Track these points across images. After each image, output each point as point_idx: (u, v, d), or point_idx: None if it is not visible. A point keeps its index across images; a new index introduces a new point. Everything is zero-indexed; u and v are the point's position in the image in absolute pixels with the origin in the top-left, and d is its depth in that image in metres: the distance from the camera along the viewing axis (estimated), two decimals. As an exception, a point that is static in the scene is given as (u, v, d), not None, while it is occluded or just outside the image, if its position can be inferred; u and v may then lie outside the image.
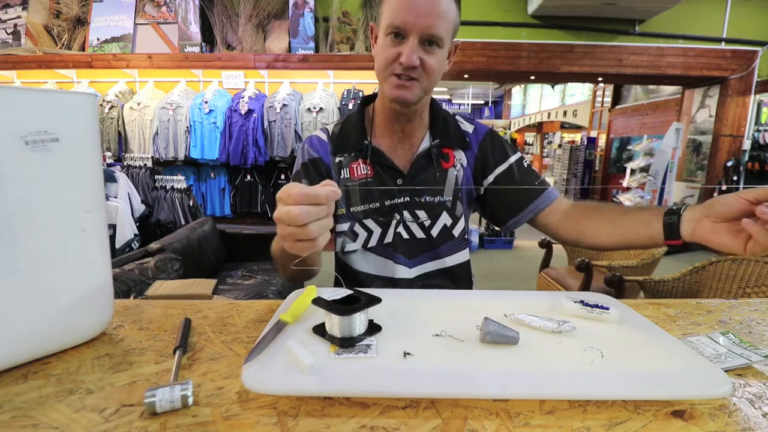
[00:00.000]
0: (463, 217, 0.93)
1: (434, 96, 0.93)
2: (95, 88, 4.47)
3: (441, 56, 0.78)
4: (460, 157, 0.93)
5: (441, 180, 0.90)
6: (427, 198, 0.89)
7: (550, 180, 8.37)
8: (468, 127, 0.95)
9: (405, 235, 0.90)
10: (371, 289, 0.74)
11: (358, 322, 0.54)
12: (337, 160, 0.92)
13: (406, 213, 0.90)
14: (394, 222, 0.90)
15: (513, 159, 0.93)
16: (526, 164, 0.94)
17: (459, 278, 0.96)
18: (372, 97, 0.95)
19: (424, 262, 0.92)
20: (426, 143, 0.90)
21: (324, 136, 0.94)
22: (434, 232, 0.91)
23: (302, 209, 0.48)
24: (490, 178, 0.93)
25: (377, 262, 0.92)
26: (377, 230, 0.91)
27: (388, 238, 0.91)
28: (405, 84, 0.78)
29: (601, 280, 1.95)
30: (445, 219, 0.91)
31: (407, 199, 0.89)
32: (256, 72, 4.31)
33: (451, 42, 0.81)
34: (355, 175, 0.90)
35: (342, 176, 0.91)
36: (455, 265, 0.94)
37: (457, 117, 0.97)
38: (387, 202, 0.89)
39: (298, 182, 0.88)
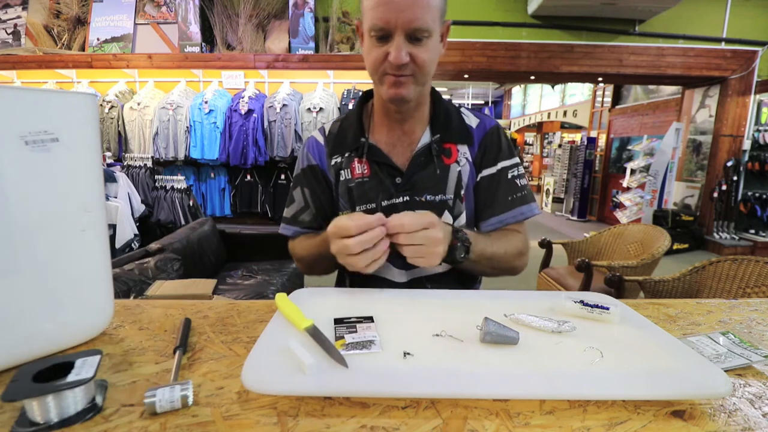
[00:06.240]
0: (463, 215, 0.87)
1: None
2: (95, 88, 4.47)
3: (431, 46, 0.75)
4: (465, 151, 0.87)
5: (442, 177, 0.85)
6: (428, 196, 0.84)
7: (550, 180, 8.43)
8: (472, 121, 0.90)
9: None
10: (373, 289, 0.74)
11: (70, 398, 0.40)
12: (334, 161, 0.89)
13: None
14: None
15: (503, 164, 0.88)
16: (512, 174, 0.88)
17: (462, 280, 0.90)
18: (371, 93, 0.92)
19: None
20: (426, 139, 0.86)
21: (321, 138, 0.93)
22: None
23: (358, 240, 0.64)
24: (478, 177, 0.88)
25: None
26: None
27: None
28: (400, 81, 0.76)
29: (601, 280, 1.95)
30: (446, 218, 0.85)
31: (407, 198, 0.84)
32: (256, 72, 4.31)
33: (441, 24, 0.78)
34: (356, 174, 0.87)
35: (343, 177, 0.88)
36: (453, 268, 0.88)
37: (462, 110, 0.92)
38: (384, 203, 0.85)
39: (303, 188, 0.91)
